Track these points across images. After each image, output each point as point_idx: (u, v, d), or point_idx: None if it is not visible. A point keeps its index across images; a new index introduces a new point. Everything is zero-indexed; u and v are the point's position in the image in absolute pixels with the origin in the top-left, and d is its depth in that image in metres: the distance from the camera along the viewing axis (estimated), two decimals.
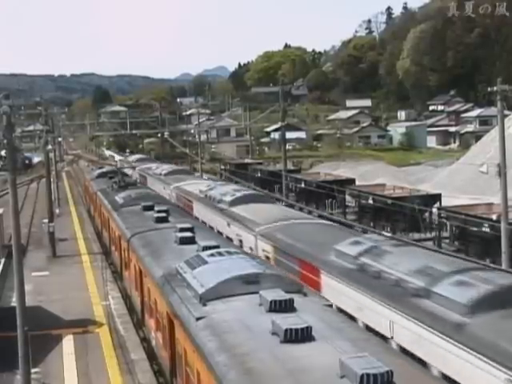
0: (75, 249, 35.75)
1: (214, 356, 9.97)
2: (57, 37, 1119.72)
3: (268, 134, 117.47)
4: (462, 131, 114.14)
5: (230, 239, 26.15)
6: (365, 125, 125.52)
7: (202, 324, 11.34)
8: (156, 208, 25.39)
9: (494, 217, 28.93)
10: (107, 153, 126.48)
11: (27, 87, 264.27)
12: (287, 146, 67.45)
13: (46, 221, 34.94)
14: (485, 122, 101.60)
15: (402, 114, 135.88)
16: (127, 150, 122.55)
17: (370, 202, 40.51)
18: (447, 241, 33.72)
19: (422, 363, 12.68)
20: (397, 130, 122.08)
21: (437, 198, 38.84)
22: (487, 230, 29.20)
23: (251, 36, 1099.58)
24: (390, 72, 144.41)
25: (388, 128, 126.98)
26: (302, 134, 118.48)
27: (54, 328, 21.63)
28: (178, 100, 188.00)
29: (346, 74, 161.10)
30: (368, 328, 14.81)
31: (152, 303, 16.99)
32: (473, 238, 30.90)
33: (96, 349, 19.70)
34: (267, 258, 22.18)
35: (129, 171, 58.36)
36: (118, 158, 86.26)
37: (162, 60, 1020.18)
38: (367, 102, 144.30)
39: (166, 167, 55.95)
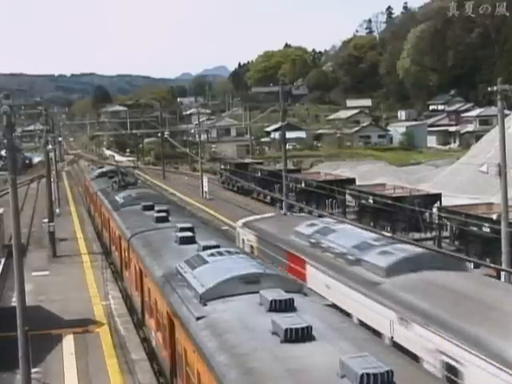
0: (75, 249, 35.77)
1: (215, 356, 9.96)
2: (57, 37, 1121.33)
3: (268, 133, 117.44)
4: (462, 131, 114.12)
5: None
6: (365, 124, 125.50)
7: (202, 324, 11.33)
8: (156, 208, 25.41)
9: (494, 217, 28.86)
10: (107, 152, 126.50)
11: (27, 87, 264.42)
12: (287, 146, 67.38)
13: (46, 221, 34.98)
14: (485, 121, 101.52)
15: (402, 114, 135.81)
16: (127, 150, 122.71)
17: (370, 201, 40.47)
18: (447, 240, 33.68)
19: (347, 314, 15.11)
20: (397, 130, 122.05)
21: (437, 197, 38.78)
22: (487, 229, 29.16)
23: (251, 36, 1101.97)
24: (390, 72, 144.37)
25: (388, 128, 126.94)
26: (302, 134, 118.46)
27: (54, 328, 21.64)
28: (178, 100, 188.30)
29: (346, 74, 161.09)
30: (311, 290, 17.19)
31: (152, 303, 16.99)
32: (473, 238, 30.85)
33: (96, 349, 19.72)
34: (243, 240, 26.04)
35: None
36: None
37: (162, 60, 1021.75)
38: (367, 102, 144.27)
39: None
